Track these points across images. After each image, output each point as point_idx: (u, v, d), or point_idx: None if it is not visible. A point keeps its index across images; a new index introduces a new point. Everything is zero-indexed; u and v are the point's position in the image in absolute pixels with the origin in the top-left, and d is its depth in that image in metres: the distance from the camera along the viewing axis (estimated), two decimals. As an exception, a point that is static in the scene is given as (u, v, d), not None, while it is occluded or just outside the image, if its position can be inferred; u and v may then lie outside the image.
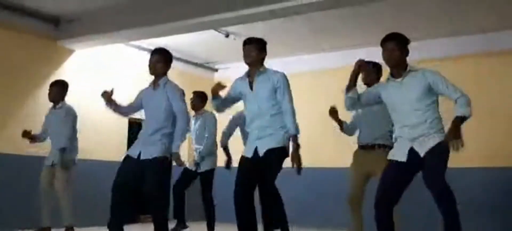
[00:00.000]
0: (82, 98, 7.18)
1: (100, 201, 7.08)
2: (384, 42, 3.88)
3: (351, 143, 5.14)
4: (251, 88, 4.37)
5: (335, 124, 5.12)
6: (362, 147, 4.91)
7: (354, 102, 4.07)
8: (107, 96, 4.84)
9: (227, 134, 6.26)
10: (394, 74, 3.91)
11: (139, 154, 4.59)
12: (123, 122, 8.32)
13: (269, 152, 4.23)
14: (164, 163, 4.62)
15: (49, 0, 6.84)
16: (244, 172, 4.30)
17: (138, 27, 7.05)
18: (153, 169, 4.52)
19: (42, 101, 7.28)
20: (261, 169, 4.25)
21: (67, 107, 5.97)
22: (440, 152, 3.67)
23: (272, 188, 4.24)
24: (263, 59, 4.43)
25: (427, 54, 7.27)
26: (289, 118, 4.28)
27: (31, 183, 6.34)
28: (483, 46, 7.52)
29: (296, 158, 4.26)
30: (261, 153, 4.26)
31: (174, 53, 5.03)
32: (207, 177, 6.20)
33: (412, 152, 3.75)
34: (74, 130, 5.94)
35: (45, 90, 7.31)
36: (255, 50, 4.37)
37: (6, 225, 6.56)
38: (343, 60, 8.05)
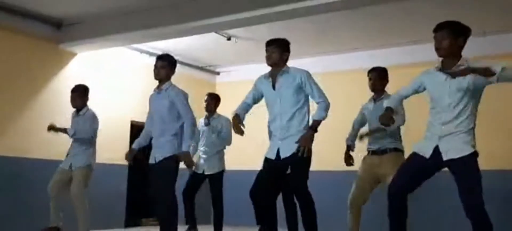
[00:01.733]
0: (84, 101, 7.17)
1: (101, 203, 7.11)
2: (434, 31, 3.67)
3: (357, 146, 5.10)
4: (274, 87, 4.33)
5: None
6: (374, 152, 4.80)
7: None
8: None
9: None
10: (445, 65, 3.65)
11: (155, 159, 4.81)
12: (125, 124, 8.34)
13: (296, 159, 4.16)
14: (170, 162, 4.72)
15: (51, 3, 6.85)
16: (264, 173, 4.27)
17: (140, 30, 7.06)
18: (159, 170, 4.71)
19: (44, 104, 7.31)
20: (290, 177, 4.27)
21: (91, 113, 5.93)
22: (471, 167, 3.50)
23: (305, 193, 4.19)
24: (286, 59, 4.38)
25: (429, 57, 7.24)
26: (321, 110, 4.23)
27: (32, 186, 6.33)
28: (484, 49, 7.49)
29: (306, 140, 4.14)
30: (283, 155, 4.21)
31: (175, 57, 5.10)
32: (218, 179, 6.24)
33: (436, 151, 3.58)
34: (95, 135, 5.93)
35: (47, 93, 7.38)
36: (276, 51, 4.34)
37: (5, 230, 6.55)
38: (347, 63, 8.05)
